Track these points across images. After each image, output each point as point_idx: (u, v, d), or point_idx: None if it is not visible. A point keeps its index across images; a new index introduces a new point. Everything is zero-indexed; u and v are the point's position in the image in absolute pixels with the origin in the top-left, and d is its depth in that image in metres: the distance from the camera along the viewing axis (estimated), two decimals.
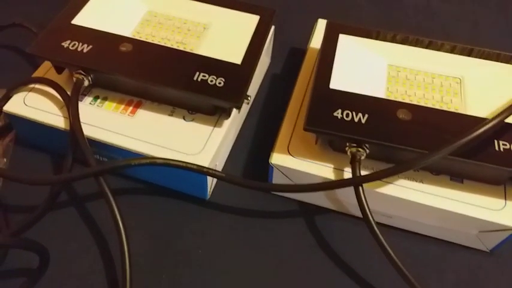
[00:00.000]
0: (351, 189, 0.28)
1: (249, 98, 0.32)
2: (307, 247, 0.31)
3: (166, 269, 0.30)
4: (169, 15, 0.36)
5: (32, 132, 0.33)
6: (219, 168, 0.34)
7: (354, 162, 0.29)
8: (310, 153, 0.31)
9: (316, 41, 0.39)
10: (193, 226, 0.32)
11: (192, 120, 0.32)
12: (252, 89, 0.37)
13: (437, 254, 0.31)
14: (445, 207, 0.29)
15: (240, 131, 0.37)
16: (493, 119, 0.28)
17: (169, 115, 0.32)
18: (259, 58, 0.33)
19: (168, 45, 0.33)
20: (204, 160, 0.30)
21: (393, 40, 0.34)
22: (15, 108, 0.32)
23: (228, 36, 0.34)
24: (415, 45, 0.34)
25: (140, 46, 0.32)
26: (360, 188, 0.28)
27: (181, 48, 0.33)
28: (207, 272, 0.30)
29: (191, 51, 0.33)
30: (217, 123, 0.32)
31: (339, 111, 0.29)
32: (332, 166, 0.31)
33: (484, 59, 0.33)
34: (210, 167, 0.30)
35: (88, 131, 0.31)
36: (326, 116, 0.29)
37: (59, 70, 0.33)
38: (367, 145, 0.29)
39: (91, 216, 0.32)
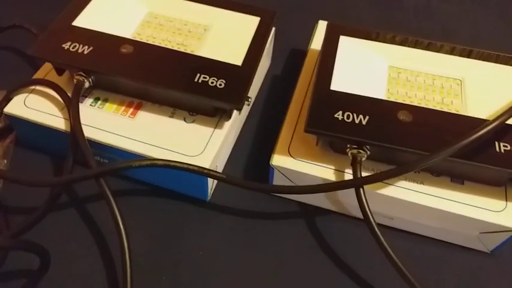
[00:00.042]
0: (352, 190, 0.28)
1: (249, 100, 0.32)
2: (307, 248, 0.31)
3: (166, 270, 0.30)
4: (170, 16, 0.36)
5: (33, 134, 0.33)
6: (220, 169, 0.34)
7: (355, 164, 0.29)
8: (311, 154, 0.31)
9: (317, 42, 0.39)
10: (194, 227, 0.32)
11: (193, 121, 0.32)
12: (253, 91, 0.37)
13: (438, 255, 0.31)
14: (445, 208, 0.29)
15: (240, 132, 0.37)
16: (494, 120, 0.28)
17: (170, 117, 0.32)
18: (260, 60, 0.33)
19: (169, 46, 0.33)
20: (204, 161, 0.30)
21: (394, 41, 0.34)
22: (16, 109, 0.32)
23: (228, 38, 0.34)
24: (416, 47, 0.34)
25: (141, 48, 0.32)
26: (361, 189, 0.28)
27: (182, 49, 0.33)
28: (207, 273, 0.30)
29: (192, 53, 0.33)
30: (218, 125, 0.32)
31: (340, 112, 0.29)
32: (333, 167, 0.31)
33: (484, 60, 0.33)
34: (211, 168, 0.30)
35: (88, 132, 0.31)
36: (327, 118, 0.29)
37: (60, 72, 0.33)
38: (368, 147, 0.29)
39: (91, 217, 0.32)
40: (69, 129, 0.31)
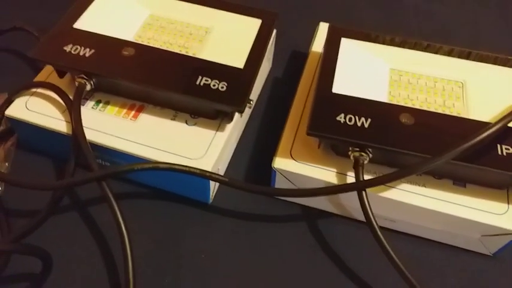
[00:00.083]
0: (354, 193, 0.28)
1: (251, 102, 0.32)
2: (309, 251, 0.31)
3: (168, 272, 0.30)
4: (171, 19, 0.36)
5: (34, 137, 0.33)
6: (222, 172, 0.34)
7: (357, 167, 0.29)
8: (313, 157, 0.31)
9: (318, 44, 0.39)
10: (196, 230, 0.32)
11: (195, 124, 0.32)
12: (254, 93, 0.37)
13: (440, 257, 0.31)
14: (447, 211, 0.29)
15: (241, 134, 0.37)
16: (496, 123, 0.28)
17: (171, 119, 0.32)
18: (261, 62, 0.33)
19: (170, 49, 0.33)
20: (206, 164, 0.30)
21: (395, 44, 0.34)
22: (17, 112, 0.32)
23: (230, 40, 0.34)
24: (417, 49, 0.34)
25: (142, 50, 0.32)
26: (363, 192, 0.28)
27: (183, 52, 0.33)
28: (209, 275, 0.30)
29: (193, 56, 0.33)
30: (219, 128, 0.32)
31: (342, 115, 0.29)
32: (335, 170, 0.31)
33: (486, 62, 0.33)
34: (213, 171, 0.30)
35: (90, 135, 0.31)
36: (329, 121, 0.29)
37: (61, 74, 0.33)
38: (370, 149, 0.29)
39: (93, 221, 0.32)
40: (70, 132, 0.31)
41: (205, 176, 0.29)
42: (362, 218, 0.29)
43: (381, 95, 0.32)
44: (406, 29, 0.48)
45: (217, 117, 0.32)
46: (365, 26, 0.47)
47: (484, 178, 0.30)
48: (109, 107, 0.33)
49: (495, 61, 0.33)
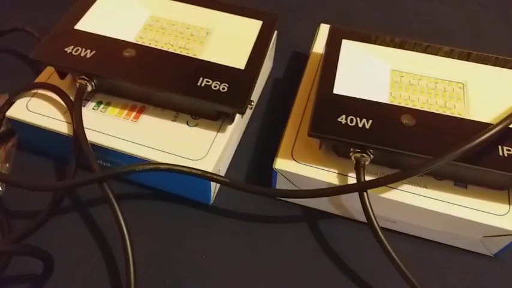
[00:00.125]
0: (355, 194, 0.28)
1: (252, 103, 0.32)
2: (310, 252, 0.31)
3: (169, 273, 0.30)
4: (172, 20, 0.36)
5: (35, 138, 0.33)
6: (222, 173, 0.34)
7: (359, 168, 0.29)
8: (314, 158, 0.31)
9: (319, 45, 0.39)
10: (197, 231, 0.32)
11: (196, 125, 0.32)
12: (255, 94, 0.37)
13: (441, 258, 0.31)
14: (449, 212, 0.29)
15: (242, 135, 0.37)
16: (498, 124, 0.28)
17: (172, 120, 0.32)
18: (262, 63, 0.33)
19: (171, 50, 0.33)
20: (207, 165, 0.30)
21: (396, 45, 0.34)
22: (18, 113, 0.32)
23: (231, 42, 0.34)
24: (418, 50, 0.34)
25: (143, 51, 0.32)
26: (365, 193, 0.28)
27: (184, 53, 0.33)
28: (210, 276, 0.30)
29: (194, 57, 0.33)
30: (220, 128, 0.32)
31: (343, 116, 0.29)
32: (336, 171, 0.31)
33: (486, 63, 0.33)
34: (214, 172, 0.30)
35: (91, 136, 0.31)
36: (330, 122, 0.29)
37: (62, 75, 0.33)
38: (371, 150, 0.29)
39: (94, 221, 0.32)
40: (71, 133, 0.31)
41: (206, 177, 0.29)
42: (363, 218, 0.29)
43: (382, 96, 0.32)
44: (407, 30, 0.48)
45: (219, 118, 0.32)
46: (365, 27, 0.47)
47: (485, 179, 0.30)
48: (110, 108, 0.33)
49: (496, 62, 0.33)
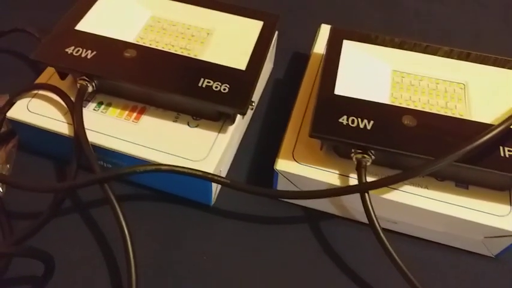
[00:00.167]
0: (357, 195, 0.28)
1: (253, 104, 0.32)
2: (311, 253, 0.31)
3: (170, 274, 0.30)
4: (173, 20, 0.36)
5: (36, 139, 0.33)
6: (223, 174, 0.34)
7: (360, 169, 0.29)
8: (315, 159, 0.31)
9: (320, 46, 0.39)
10: (198, 232, 0.32)
11: (197, 126, 0.32)
12: (256, 94, 0.37)
13: (442, 259, 0.31)
14: (450, 213, 0.29)
15: (243, 136, 0.37)
16: (499, 125, 0.28)
17: (173, 121, 0.32)
18: (263, 64, 0.33)
19: (172, 51, 0.33)
20: (208, 166, 0.30)
21: (397, 46, 0.34)
22: (19, 114, 0.32)
23: (232, 42, 0.34)
24: (419, 51, 0.34)
25: (144, 52, 0.32)
26: (366, 194, 0.28)
27: (185, 54, 0.33)
28: (211, 277, 0.30)
29: (195, 57, 0.33)
30: (221, 129, 0.32)
31: (344, 117, 0.29)
32: (337, 172, 0.31)
33: (487, 64, 0.33)
34: (215, 173, 0.30)
35: (92, 137, 0.31)
36: (332, 123, 0.29)
37: (63, 76, 0.33)
38: (372, 151, 0.29)
39: (95, 223, 0.32)
40: (72, 134, 0.31)
41: (207, 178, 0.29)
42: (364, 219, 0.29)
43: (383, 97, 0.32)
44: (407, 30, 0.48)
45: (219, 119, 0.32)
46: (365, 27, 0.47)
47: (487, 180, 0.30)
48: (111, 108, 0.33)
49: (497, 63, 0.33)
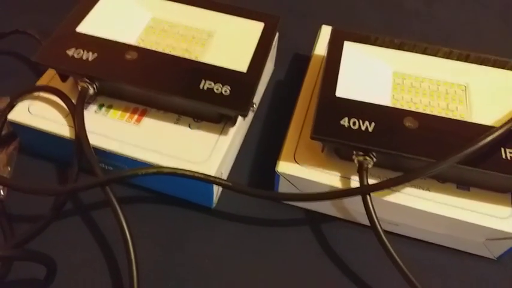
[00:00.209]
0: (358, 197, 0.28)
1: (254, 106, 0.32)
2: (313, 255, 0.31)
3: (172, 277, 0.30)
4: (174, 22, 0.36)
5: (37, 141, 0.33)
6: (225, 176, 0.34)
7: (361, 171, 0.29)
8: (317, 161, 0.31)
9: (320, 47, 0.39)
10: (199, 234, 0.32)
11: (198, 128, 0.32)
12: (257, 96, 0.37)
13: (444, 261, 0.31)
14: (451, 215, 0.29)
15: (244, 137, 0.37)
16: (501, 127, 0.28)
17: (174, 123, 0.32)
18: (264, 66, 0.33)
19: (173, 53, 0.33)
20: (210, 168, 0.30)
21: (398, 47, 0.34)
22: (20, 116, 0.32)
23: (232, 44, 0.34)
24: (420, 52, 0.34)
25: (145, 54, 0.32)
26: (368, 196, 0.28)
27: (186, 56, 0.33)
28: (212, 280, 0.30)
29: (196, 59, 0.33)
30: (222, 131, 0.32)
31: (346, 119, 0.29)
32: (339, 174, 0.31)
33: (488, 65, 0.33)
34: (216, 175, 0.30)
35: (93, 139, 0.31)
36: (333, 125, 0.29)
37: (64, 78, 0.33)
38: (374, 153, 0.29)
39: (96, 225, 0.32)
40: (73, 137, 0.31)
41: (209, 180, 0.29)
42: (365, 221, 0.29)
43: (384, 99, 0.32)
44: (408, 32, 0.48)
45: (221, 121, 0.32)
46: (366, 28, 0.47)
47: (488, 182, 0.30)
48: (112, 110, 0.33)
49: (498, 64, 0.33)
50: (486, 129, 0.28)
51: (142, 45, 0.34)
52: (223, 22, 0.35)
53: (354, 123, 0.29)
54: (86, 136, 0.30)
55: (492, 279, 0.31)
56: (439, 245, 0.32)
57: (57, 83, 0.33)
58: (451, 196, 0.30)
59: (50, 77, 0.35)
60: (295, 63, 0.44)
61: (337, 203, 0.32)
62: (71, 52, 0.32)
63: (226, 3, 0.36)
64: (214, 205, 0.33)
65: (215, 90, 0.30)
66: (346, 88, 0.31)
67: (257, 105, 0.39)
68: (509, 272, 0.31)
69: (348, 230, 0.33)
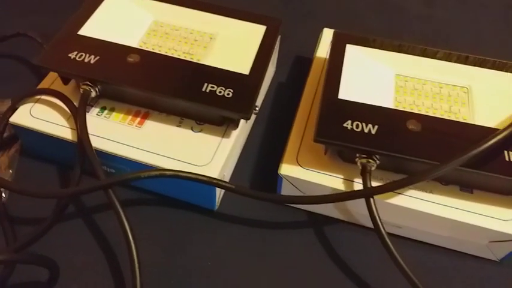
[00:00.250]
0: (361, 199, 0.28)
1: (256, 108, 0.32)
2: (316, 257, 0.31)
3: (174, 279, 0.30)
4: (176, 25, 0.36)
5: (38, 144, 0.33)
6: (227, 178, 0.34)
7: (365, 174, 0.29)
8: (320, 163, 0.31)
9: (322, 50, 0.39)
10: (202, 237, 0.32)
11: (200, 130, 0.32)
12: (259, 98, 0.37)
13: (447, 263, 0.31)
14: (454, 217, 0.29)
15: (246, 140, 0.37)
16: (504, 129, 0.28)
17: (177, 126, 0.32)
18: (267, 68, 0.33)
19: (175, 55, 0.33)
20: (212, 171, 0.30)
21: (400, 50, 0.34)
22: (22, 119, 0.32)
23: (235, 47, 0.34)
24: (422, 55, 0.34)
25: (148, 57, 0.32)
26: (371, 199, 0.28)
27: (188, 58, 0.33)
28: (215, 282, 0.30)
29: (198, 62, 0.33)
30: (225, 134, 0.32)
31: (349, 122, 0.29)
32: (342, 177, 0.31)
33: (490, 68, 0.33)
34: (219, 177, 0.30)
35: (95, 142, 0.31)
36: (336, 127, 0.29)
37: (65, 81, 0.33)
38: (377, 156, 0.29)
39: (99, 228, 0.32)
40: (76, 139, 0.31)
41: (212, 183, 0.29)
42: (369, 224, 0.29)
43: (387, 101, 0.32)
44: (409, 34, 0.48)
45: (223, 124, 0.32)
46: (367, 31, 0.47)
47: (491, 184, 0.30)
48: (114, 113, 0.33)
49: (500, 66, 0.33)
50: (489, 131, 0.28)
51: (144, 48, 0.34)
52: (225, 25, 0.35)
53: (357, 126, 0.29)
54: (88, 139, 0.30)
55: (495, 281, 0.31)
56: (442, 247, 0.32)
57: (58, 86, 0.33)
58: (454, 198, 0.30)
59: (51, 79, 0.35)
60: (297, 66, 0.44)
61: (340, 205, 0.32)
62: (73, 55, 0.32)
63: (228, 6, 0.36)
64: (216, 207, 0.33)
65: (217, 93, 0.30)
66: (348, 91, 0.31)
67: (259, 107, 0.39)
68: None
69: (351, 232, 0.32)
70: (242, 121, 0.32)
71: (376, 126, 0.29)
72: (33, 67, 0.41)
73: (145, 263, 0.30)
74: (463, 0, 0.52)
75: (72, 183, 0.31)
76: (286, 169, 0.31)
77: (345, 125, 0.29)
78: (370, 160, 0.29)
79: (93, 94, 0.32)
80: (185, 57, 0.33)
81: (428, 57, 0.34)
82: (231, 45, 0.34)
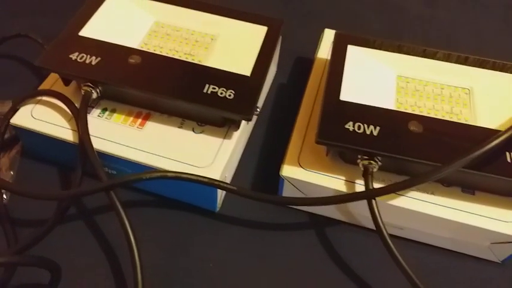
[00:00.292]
0: (363, 201, 0.28)
1: (257, 110, 0.31)
2: (318, 259, 0.31)
3: (176, 281, 0.30)
4: (177, 26, 0.36)
5: (40, 145, 0.33)
6: (228, 179, 0.34)
7: (367, 175, 0.29)
8: (321, 165, 0.31)
9: (323, 51, 0.39)
10: (203, 238, 0.32)
11: (202, 132, 0.32)
12: (260, 99, 0.37)
13: (449, 265, 0.31)
14: (456, 219, 0.29)
15: (248, 141, 0.37)
16: (506, 131, 0.28)
17: (178, 127, 0.32)
18: (268, 70, 0.33)
19: (177, 56, 0.33)
20: (214, 172, 0.30)
21: (401, 51, 0.34)
22: (23, 121, 0.32)
23: (236, 48, 0.34)
24: (423, 56, 0.34)
25: (149, 58, 0.32)
26: (373, 201, 0.28)
27: (189, 59, 0.33)
28: (217, 284, 0.30)
29: (199, 63, 0.33)
30: (226, 135, 0.32)
31: (351, 123, 0.29)
32: (343, 178, 0.31)
33: (492, 69, 0.33)
34: (221, 179, 0.30)
35: (96, 143, 0.30)
36: (338, 129, 0.29)
37: (67, 82, 0.33)
38: (379, 157, 0.29)
39: (101, 230, 0.32)
40: (77, 141, 0.31)
41: (213, 184, 0.29)
42: (370, 225, 0.29)
43: (388, 103, 0.32)
44: (410, 35, 0.48)
45: (225, 125, 0.32)
46: (368, 32, 0.47)
47: (493, 186, 0.30)
48: (115, 115, 0.33)
49: (501, 68, 0.33)
50: (491, 133, 0.28)
51: (145, 49, 0.34)
52: (227, 26, 0.35)
53: (359, 127, 0.29)
54: (90, 140, 0.30)
55: (497, 282, 0.31)
56: (443, 249, 0.32)
57: (60, 87, 0.33)
58: (456, 200, 0.30)
59: (52, 81, 0.34)
60: (298, 67, 0.43)
61: (342, 206, 0.32)
62: (74, 56, 0.32)
63: (229, 7, 0.36)
64: (218, 209, 0.33)
65: (219, 94, 0.30)
66: (350, 92, 0.31)
67: (260, 108, 0.39)
68: None
69: (353, 233, 0.32)
70: (243, 122, 0.32)
71: (377, 128, 0.29)
72: (34, 68, 0.40)
73: (147, 264, 0.30)
74: (463, 1, 0.52)
75: (74, 185, 0.31)
76: (288, 170, 0.31)
77: (346, 126, 0.29)
78: (372, 161, 0.29)
79: (95, 95, 0.32)
80: (186, 58, 0.33)
81: (429, 58, 0.34)
82: (233, 46, 0.34)
